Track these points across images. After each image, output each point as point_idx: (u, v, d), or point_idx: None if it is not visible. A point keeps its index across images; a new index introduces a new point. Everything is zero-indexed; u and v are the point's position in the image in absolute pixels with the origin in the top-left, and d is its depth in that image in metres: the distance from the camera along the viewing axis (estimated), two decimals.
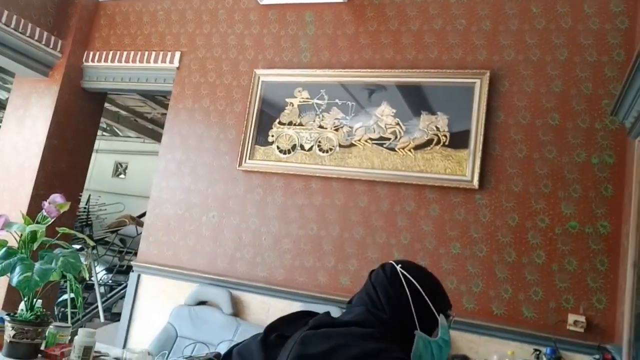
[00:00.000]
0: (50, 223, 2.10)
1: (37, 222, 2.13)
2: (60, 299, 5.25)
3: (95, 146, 8.96)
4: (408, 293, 1.15)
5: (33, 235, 2.07)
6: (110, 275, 6.24)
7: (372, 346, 1.00)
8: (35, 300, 2.05)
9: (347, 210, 3.59)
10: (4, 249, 1.97)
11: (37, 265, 1.95)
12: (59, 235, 2.14)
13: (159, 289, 3.93)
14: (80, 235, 2.19)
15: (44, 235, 2.13)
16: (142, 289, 3.99)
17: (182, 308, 3.68)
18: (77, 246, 6.07)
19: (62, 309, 5.26)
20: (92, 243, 2.26)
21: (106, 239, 6.32)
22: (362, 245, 3.50)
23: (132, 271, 4.06)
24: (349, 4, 3.93)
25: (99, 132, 9.11)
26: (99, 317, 5.09)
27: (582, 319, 2.92)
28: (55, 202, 2.18)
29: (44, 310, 2.07)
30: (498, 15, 3.51)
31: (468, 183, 3.33)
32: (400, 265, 1.21)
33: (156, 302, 3.90)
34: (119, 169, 9.25)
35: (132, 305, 3.96)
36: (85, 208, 5.79)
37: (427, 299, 1.16)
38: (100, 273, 6.29)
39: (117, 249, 6.42)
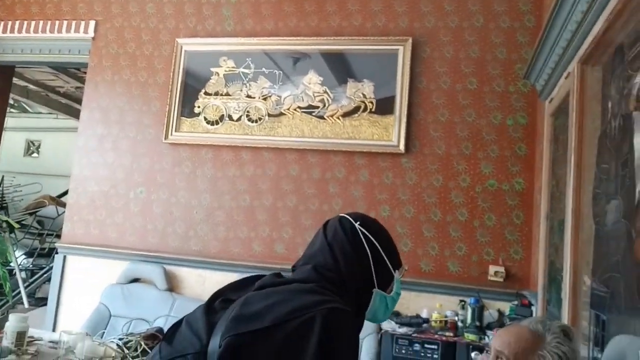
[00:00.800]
0: None
1: None
2: None
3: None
4: (369, 253, 1.17)
5: None
6: (31, 260, 5.94)
7: (310, 299, 1.02)
8: None
9: (279, 180, 3.62)
10: None
11: None
12: None
13: (87, 269, 3.80)
14: (2, 217, 2.07)
15: None
16: (68, 270, 3.85)
17: (115, 287, 3.59)
18: None
19: None
20: (17, 225, 2.15)
21: (23, 222, 5.97)
22: (296, 213, 3.56)
23: (57, 253, 3.90)
24: None
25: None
26: (22, 303, 4.85)
27: (502, 269, 3.15)
28: None
29: None
30: None
31: (395, 148, 3.45)
32: (358, 223, 1.20)
33: (85, 283, 3.77)
34: (31, 148, 8.70)
35: (59, 288, 3.81)
36: None
37: (385, 257, 1.19)
38: (19, 258, 5.96)
39: (37, 231, 6.09)
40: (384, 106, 3.51)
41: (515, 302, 3.01)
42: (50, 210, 5.90)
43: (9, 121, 8.62)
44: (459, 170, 3.35)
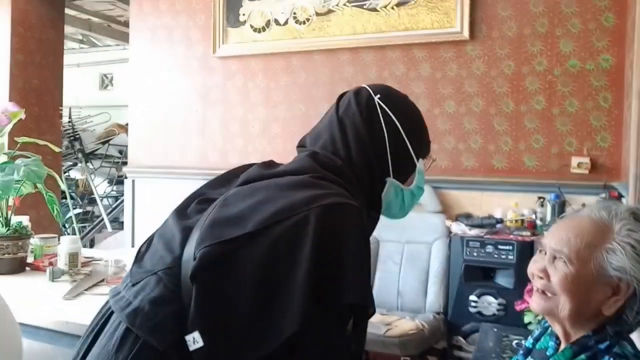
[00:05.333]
0: (4, 134, 1.95)
1: None
2: (68, 215, 5.27)
3: (76, 60, 8.61)
4: (385, 133, 0.94)
5: None
6: (113, 187, 6.24)
7: (303, 194, 0.82)
8: (10, 214, 1.97)
9: (334, 84, 3.39)
10: None
11: None
12: (18, 145, 2.00)
13: (154, 191, 3.86)
14: (41, 142, 2.05)
15: (3, 147, 2.00)
16: (138, 194, 3.94)
17: None
18: (69, 162, 6.00)
19: (73, 225, 5.31)
20: (57, 149, 2.13)
21: (98, 151, 6.24)
22: None
23: (126, 178, 3.99)
24: None
25: (77, 45, 8.71)
26: (106, 227, 5.14)
27: (586, 160, 2.80)
28: (8, 110, 2.02)
29: (21, 223, 1.99)
30: None
31: (458, 35, 3.07)
32: (378, 96, 0.97)
33: (155, 204, 3.84)
34: (105, 81, 8.93)
35: (132, 212, 3.93)
36: (69, 122, 5.63)
37: (407, 141, 0.96)
38: (103, 185, 6.28)
39: (119, 160, 6.32)
40: None
41: (603, 195, 2.68)
42: (122, 138, 6.07)
43: (81, 57, 8.88)
44: (533, 52, 2.94)
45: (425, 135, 1.04)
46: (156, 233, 0.93)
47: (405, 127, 0.97)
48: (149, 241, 0.94)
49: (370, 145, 0.95)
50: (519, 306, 2.21)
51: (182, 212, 0.91)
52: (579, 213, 0.96)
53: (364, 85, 1.02)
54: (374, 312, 0.83)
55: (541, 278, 0.91)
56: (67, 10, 5.40)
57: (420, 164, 1.01)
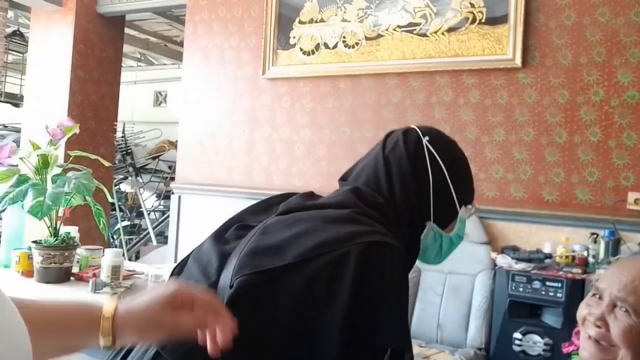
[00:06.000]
0: (58, 147, 2.02)
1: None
2: (117, 226, 5.42)
3: (133, 77, 8.95)
4: (430, 177, 0.93)
5: (44, 161, 2.01)
6: (160, 201, 6.39)
7: (344, 229, 0.80)
8: (59, 224, 2.03)
9: (380, 108, 3.37)
10: (16, 177, 1.92)
11: (49, 189, 1.90)
12: (72, 158, 2.07)
13: (199, 207, 3.93)
14: (92, 156, 2.11)
15: (57, 160, 2.07)
16: (184, 209, 4.01)
17: None
18: (121, 176, 6.19)
19: (121, 237, 5.45)
20: (107, 163, 2.19)
21: (148, 166, 6.42)
22: None
23: (173, 193, 4.08)
24: None
25: (135, 63, 9.06)
26: (151, 240, 5.26)
27: None
28: (63, 125, 2.09)
29: (69, 234, 2.05)
30: None
31: (510, 62, 3.00)
32: (427, 138, 0.96)
33: (199, 221, 3.90)
34: (159, 98, 9.23)
35: (176, 227, 4.00)
36: (122, 137, 5.84)
37: (451, 187, 0.95)
38: (151, 199, 6.45)
39: (167, 175, 6.48)
40: (496, 14, 3.05)
41: None
42: (172, 154, 6.23)
43: (138, 75, 9.22)
44: (589, 82, 2.84)
45: (470, 183, 1.02)
46: (191, 256, 0.93)
47: (451, 172, 0.95)
48: (183, 263, 0.93)
49: (414, 187, 0.94)
50: (566, 348, 2.08)
51: (220, 237, 0.91)
52: None
53: (413, 126, 1.01)
54: (411, 359, 0.80)
55: (598, 327, 0.84)
56: (127, 30, 5.64)
57: (462, 212, 0.98)
